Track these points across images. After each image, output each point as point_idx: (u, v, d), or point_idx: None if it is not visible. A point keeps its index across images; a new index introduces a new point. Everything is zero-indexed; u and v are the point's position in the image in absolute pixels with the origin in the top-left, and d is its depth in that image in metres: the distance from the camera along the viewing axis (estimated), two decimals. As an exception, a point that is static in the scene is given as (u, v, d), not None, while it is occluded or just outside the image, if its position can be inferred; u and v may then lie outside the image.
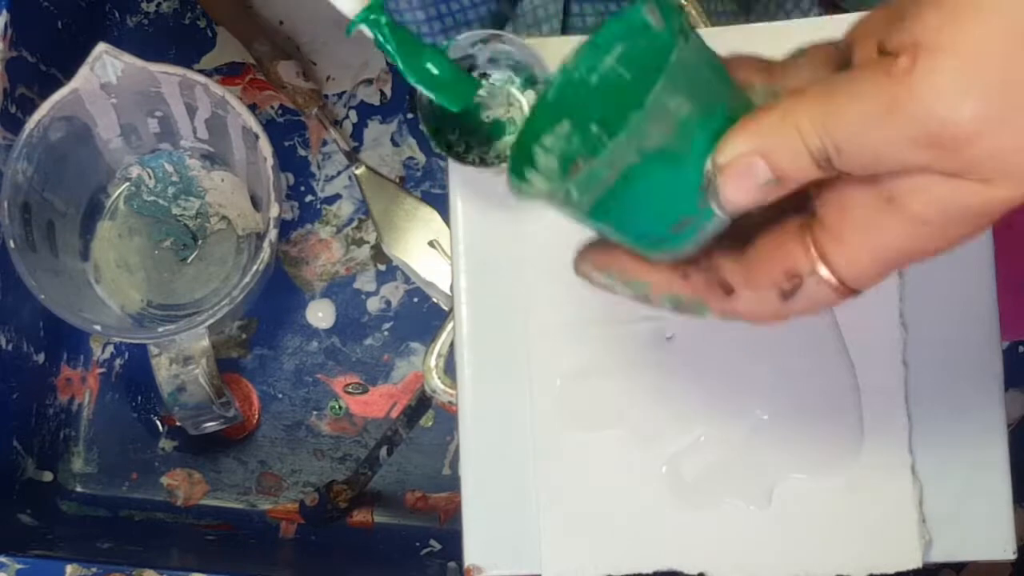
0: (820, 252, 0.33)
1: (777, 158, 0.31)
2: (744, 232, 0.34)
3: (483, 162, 0.50)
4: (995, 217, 0.31)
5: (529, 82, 0.50)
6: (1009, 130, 0.29)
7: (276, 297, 0.68)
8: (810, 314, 0.34)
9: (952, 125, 0.29)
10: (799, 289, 0.33)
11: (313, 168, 0.70)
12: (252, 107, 0.68)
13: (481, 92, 0.50)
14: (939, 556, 0.50)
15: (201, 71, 0.66)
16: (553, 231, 0.51)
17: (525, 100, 0.50)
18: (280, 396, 0.68)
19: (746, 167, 0.32)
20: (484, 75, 0.50)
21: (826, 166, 0.31)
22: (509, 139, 0.51)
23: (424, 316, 0.69)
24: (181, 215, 0.68)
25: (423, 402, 0.63)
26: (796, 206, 0.34)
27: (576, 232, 0.51)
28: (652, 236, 0.34)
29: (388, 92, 0.70)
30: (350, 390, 0.68)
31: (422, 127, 0.49)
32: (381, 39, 0.42)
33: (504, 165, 0.49)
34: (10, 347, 0.62)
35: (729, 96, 0.33)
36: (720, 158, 0.32)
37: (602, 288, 0.37)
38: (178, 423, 0.64)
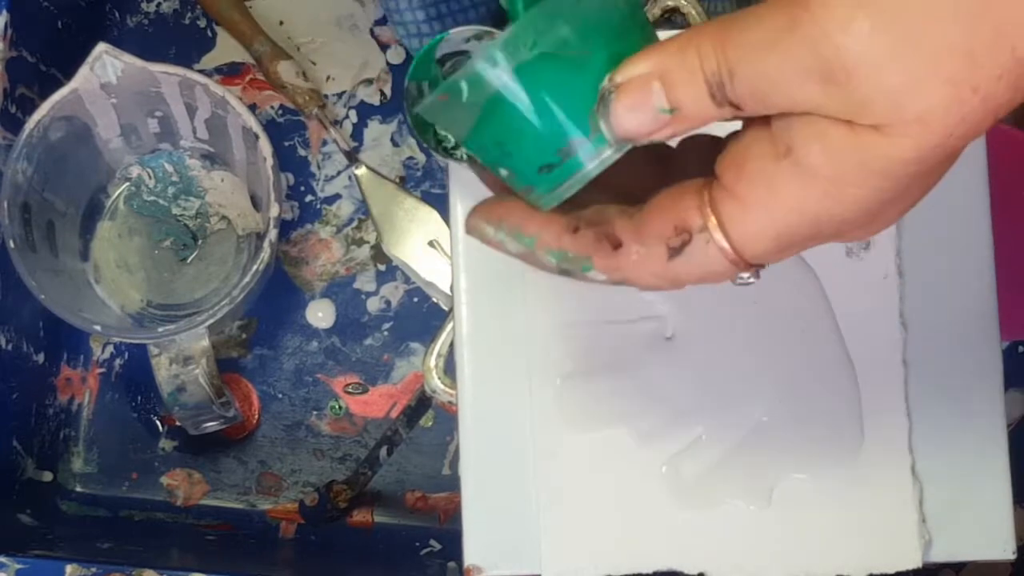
0: (714, 209, 0.32)
1: (673, 80, 0.31)
2: (645, 199, 0.33)
3: (471, 158, 0.50)
4: (892, 179, 0.30)
5: None
6: (899, 65, 0.28)
7: (276, 297, 0.68)
8: (698, 283, 0.33)
9: (844, 50, 0.28)
10: (687, 246, 0.32)
11: (313, 168, 0.70)
12: (252, 107, 0.68)
13: None
14: (939, 556, 0.50)
15: (201, 71, 0.66)
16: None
17: None
18: (280, 396, 0.68)
19: (642, 87, 0.31)
20: None
21: (719, 95, 0.30)
22: None
23: (424, 316, 0.69)
24: (181, 215, 0.68)
25: (423, 402, 0.63)
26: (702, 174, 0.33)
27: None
28: (540, 161, 0.33)
29: (388, 92, 0.70)
30: (350, 390, 0.68)
31: (409, 121, 0.49)
32: None
33: None
34: (10, 347, 0.62)
35: (640, 34, 0.32)
36: (618, 76, 0.31)
37: (491, 244, 0.36)
38: (178, 423, 0.64)
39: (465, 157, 0.50)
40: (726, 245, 0.32)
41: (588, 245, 0.34)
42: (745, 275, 0.33)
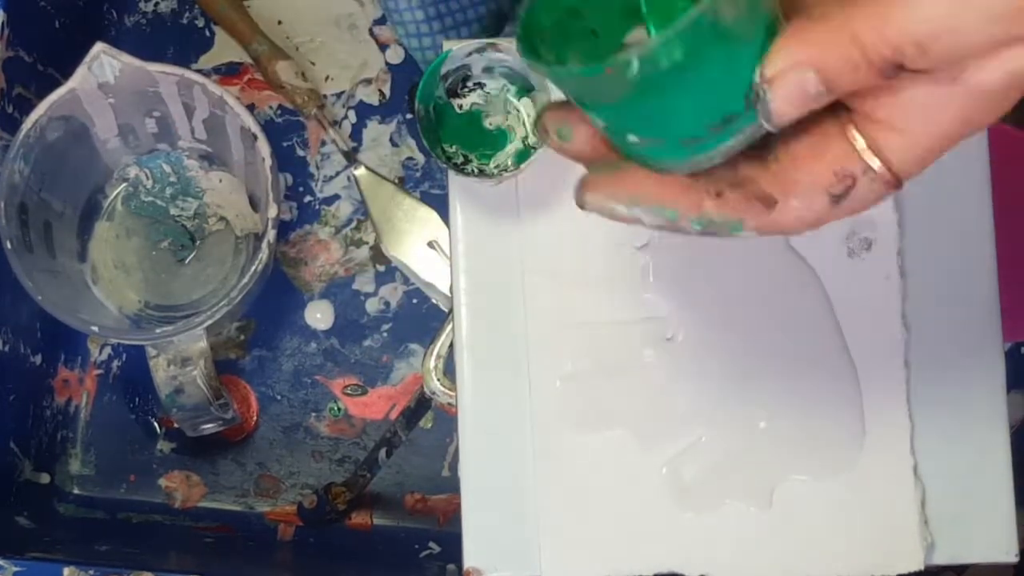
0: (873, 146, 0.32)
1: (833, 71, 0.30)
2: (760, 142, 0.33)
3: (482, 172, 0.50)
4: None
5: (524, 91, 0.50)
6: None
7: (274, 298, 0.68)
8: (856, 213, 0.33)
9: None
10: (851, 190, 0.32)
11: (312, 168, 0.70)
12: (250, 107, 0.68)
13: (480, 100, 0.50)
14: (941, 558, 0.50)
15: (199, 71, 0.66)
16: (552, 231, 0.51)
17: (523, 107, 0.50)
18: (278, 398, 0.68)
19: (798, 81, 0.31)
20: (479, 84, 0.50)
21: (893, 72, 0.30)
22: (512, 147, 0.51)
23: (423, 317, 0.68)
24: (179, 216, 0.67)
25: (422, 403, 0.63)
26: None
27: (575, 233, 0.51)
28: (687, 134, 0.32)
29: (387, 92, 0.70)
30: (349, 391, 0.68)
31: (423, 139, 0.49)
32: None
33: (503, 175, 0.49)
34: (7, 348, 0.62)
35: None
36: (769, 69, 0.31)
37: (621, 220, 0.35)
38: (176, 425, 0.64)
39: (476, 171, 0.50)
40: (889, 176, 0.32)
41: (739, 208, 0.33)
42: None
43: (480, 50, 0.48)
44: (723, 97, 0.31)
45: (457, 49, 0.48)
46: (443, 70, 0.49)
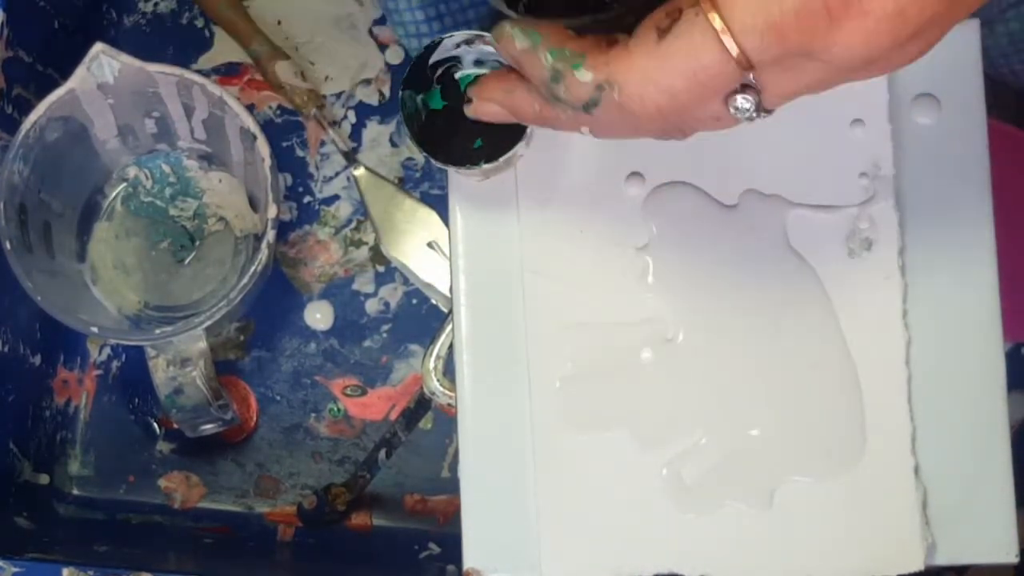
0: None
1: None
2: None
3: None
4: None
5: None
6: None
7: (274, 299, 0.68)
8: (691, 86, 0.33)
9: None
10: (676, 24, 0.32)
11: (311, 169, 0.69)
12: (250, 107, 0.68)
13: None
14: (942, 559, 0.50)
15: (198, 71, 0.66)
16: (552, 231, 0.51)
17: None
18: (278, 398, 0.68)
19: None
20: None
21: None
22: None
23: (423, 318, 0.68)
24: (178, 216, 0.67)
25: (422, 404, 0.63)
26: None
27: (575, 233, 0.51)
28: None
29: (387, 92, 0.70)
30: (348, 392, 0.68)
31: (409, 134, 0.49)
32: None
33: (487, 168, 0.49)
34: (6, 349, 0.62)
35: None
36: None
37: (503, 41, 0.41)
38: (175, 425, 0.64)
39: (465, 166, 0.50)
40: (718, 21, 0.31)
41: (586, 45, 0.36)
42: (747, 100, 0.34)
43: (469, 42, 0.48)
44: None
45: (446, 40, 0.48)
46: (431, 61, 0.49)
